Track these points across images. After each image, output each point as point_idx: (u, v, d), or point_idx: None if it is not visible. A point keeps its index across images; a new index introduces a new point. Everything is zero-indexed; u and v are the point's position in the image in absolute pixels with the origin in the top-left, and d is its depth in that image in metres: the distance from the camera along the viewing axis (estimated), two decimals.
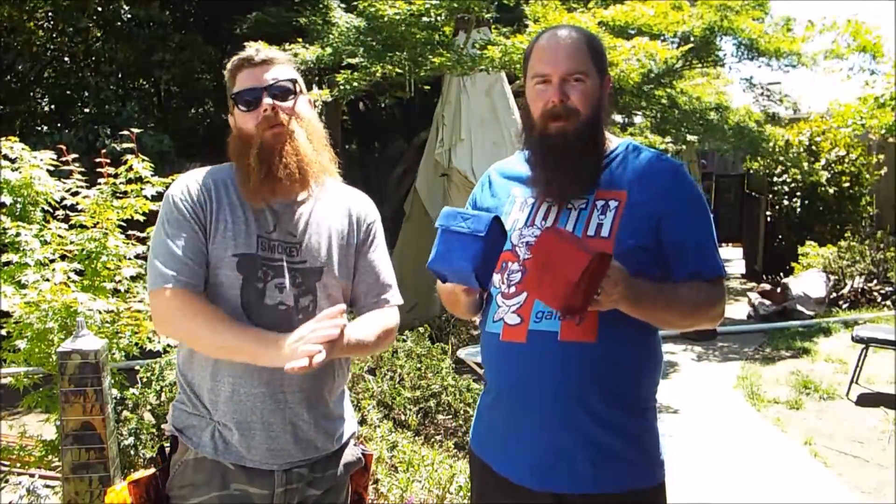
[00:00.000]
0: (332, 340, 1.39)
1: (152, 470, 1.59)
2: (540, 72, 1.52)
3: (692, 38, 7.39)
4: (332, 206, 1.63)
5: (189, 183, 1.57)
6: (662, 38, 7.82)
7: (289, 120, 1.56)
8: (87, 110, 8.99)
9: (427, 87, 7.12)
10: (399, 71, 6.13)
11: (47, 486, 3.16)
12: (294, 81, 1.60)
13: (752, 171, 10.98)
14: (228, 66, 1.61)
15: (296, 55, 6.03)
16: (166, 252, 1.49)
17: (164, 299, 1.47)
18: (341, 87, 6.05)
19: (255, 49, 1.60)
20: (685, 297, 1.48)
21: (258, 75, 1.56)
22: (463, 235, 1.41)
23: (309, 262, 1.56)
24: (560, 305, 1.31)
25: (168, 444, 1.60)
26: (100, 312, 3.05)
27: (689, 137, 8.59)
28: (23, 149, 3.48)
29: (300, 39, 6.56)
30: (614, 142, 1.61)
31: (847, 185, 10.04)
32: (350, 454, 1.68)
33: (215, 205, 1.54)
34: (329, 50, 6.32)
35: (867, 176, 10.11)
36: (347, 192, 1.71)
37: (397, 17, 6.19)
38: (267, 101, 1.54)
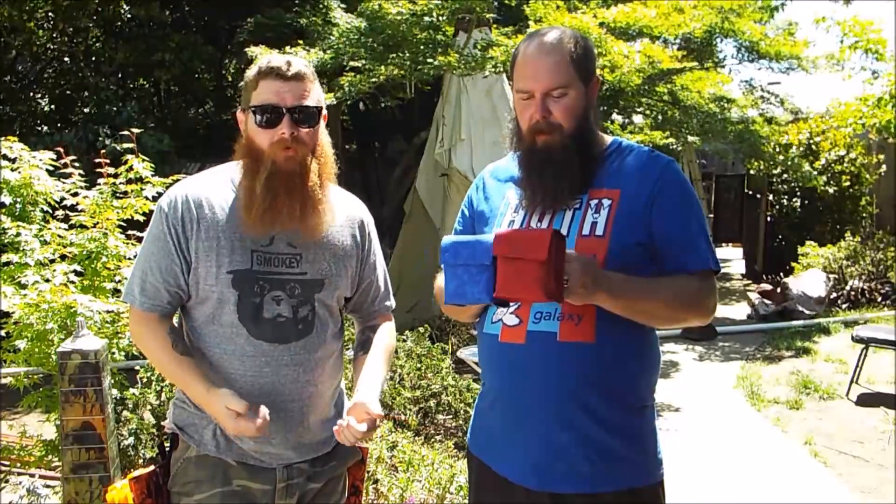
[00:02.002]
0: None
1: (152, 467, 1.60)
2: (522, 87, 1.52)
3: (693, 39, 7.38)
4: (334, 215, 1.58)
5: (180, 197, 1.52)
6: (663, 40, 7.80)
7: (305, 151, 1.49)
8: (87, 110, 9.00)
9: (427, 88, 7.12)
10: (401, 72, 6.12)
11: (47, 486, 3.16)
12: (319, 109, 1.52)
13: (752, 171, 10.97)
14: (254, 67, 1.50)
15: None
16: (143, 269, 1.54)
17: (131, 314, 1.59)
18: (346, 89, 6.04)
19: (287, 61, 1.48)
20: (668, 291, 1.45)
21: (283, 92, 1.46)
22: (470, 267, 1.40)
23: (310, 273, 1.54)
24: (540, 289, 1.30)
25: (168, 442, 1.61)
26: (100, 313, 3.05)
27: (689, 138, 8.57)
28: (22, 149, 3.48)
29: (301, 41, 6.55)
30: (606, 140, 1.60)
31: (847, 184, 10.03)
32: (347, 448, 1.67)
33: (207, 222, 1.50)
34: (330, 53, 6.31)
35: (867, 176, 10.09)
36: (344, 198, 1.67)
37: (399, 18, 6.18)
38: (287, 125, 1.46)
